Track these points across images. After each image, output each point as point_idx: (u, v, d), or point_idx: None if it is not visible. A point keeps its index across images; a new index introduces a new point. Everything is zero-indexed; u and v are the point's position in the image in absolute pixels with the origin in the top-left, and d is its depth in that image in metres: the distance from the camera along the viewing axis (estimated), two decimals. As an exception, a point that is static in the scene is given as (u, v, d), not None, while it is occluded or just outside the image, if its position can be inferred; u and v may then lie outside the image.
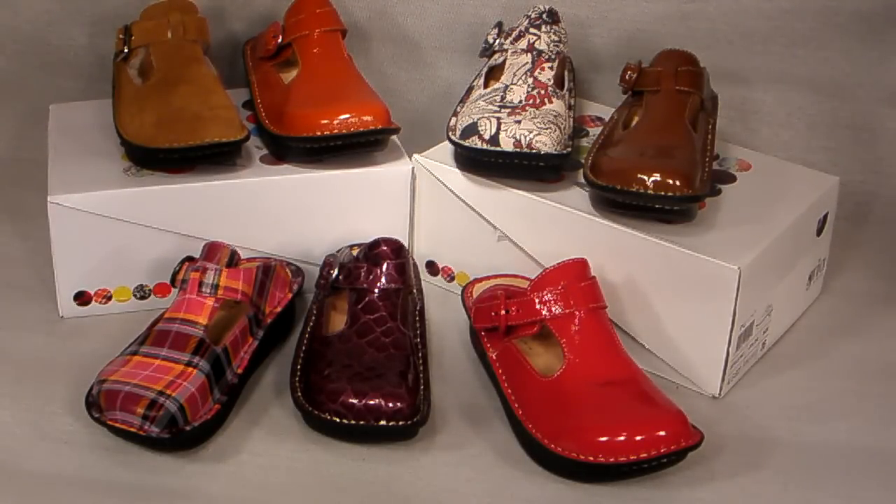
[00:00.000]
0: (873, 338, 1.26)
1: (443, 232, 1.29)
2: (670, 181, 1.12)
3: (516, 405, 1.10)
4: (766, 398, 1.17)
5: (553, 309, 1.10)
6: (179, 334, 1.09)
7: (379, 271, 1.15)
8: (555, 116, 1.21)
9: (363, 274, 1.15)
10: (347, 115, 1.21)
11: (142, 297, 1.25)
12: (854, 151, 1.48)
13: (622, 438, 1.01)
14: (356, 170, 1.25)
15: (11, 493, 1.02)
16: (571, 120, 1.27)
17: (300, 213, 1.25)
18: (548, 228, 1.21)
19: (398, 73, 1.53)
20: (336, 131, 1.21)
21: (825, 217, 1.28)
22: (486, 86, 1.28)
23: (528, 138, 1.18)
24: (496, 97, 1.24)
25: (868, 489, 1.06)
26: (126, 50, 1.33)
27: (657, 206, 1.14)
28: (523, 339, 1.15)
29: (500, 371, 1.13)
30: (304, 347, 1.15)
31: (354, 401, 1.05)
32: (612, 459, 1.02)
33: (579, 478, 1.05)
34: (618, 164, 1.16)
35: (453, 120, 1.25)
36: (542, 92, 1.24)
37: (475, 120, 1.21)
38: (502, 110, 1.22)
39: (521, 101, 1.23)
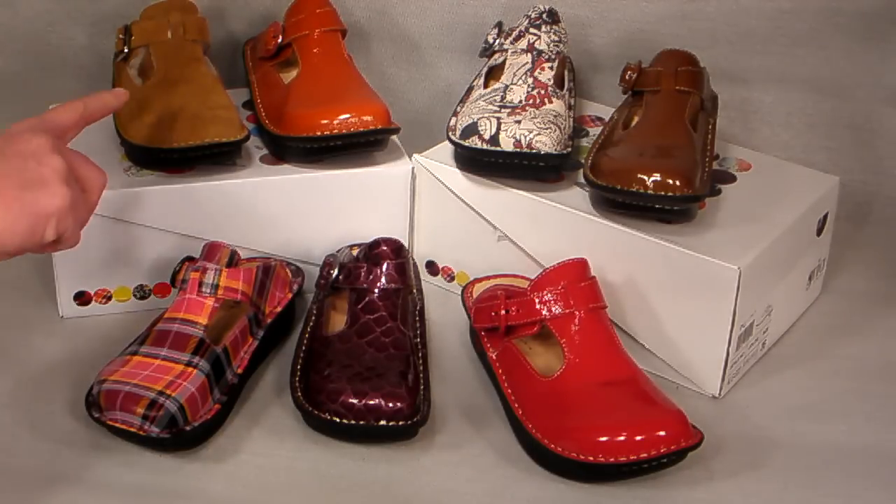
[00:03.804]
0: (873, 338, 1.26)
1: (443, 232, 1.29)
2: (670, 181, 1.12)
3: (516, 405, 1.10)
4: (766, 398, 1.17)
5: (553, 309, 1.10)
6: (179, 334, 1.09)
7: (379, 271, 1.15)
8: (555, 116, 1.21)
9: (363, 274, 1.15)
10: (347, 115, 1.21)
11: (142, 297, 1.25)
12: (854, 151, 1.48)
13: (622, 438, 1.01)
14: (356, 170, 1.25)
15: (11, 494, 1.02)
16: (571, 120, 1.27)
17: (300, 213, 1.25)
18: (548, 228, 1.21)
19: (398, 73, 1.53)
20: (336, 131, 1.21)
21: (825, 217, 1.28)
22: (486, 86, 1.28)
23: (528, 138, 1.18)
24: (496, 97, 1.24)
25: (868, 489, 1.06)
26: (126, 50, 1.33)
27: (657, 206, 1.14)
28: (523, 339, 1.15)
29: (500, 371, 1.13)
30: (304, 347, 1.15)
31: (354, 401, 1.05)
32: (612, 459, 1.02)
33: (579, 478, 1.04)
34: (618, 164, 1.16)
35: (453, 120, 1.25)
36: (542, 92, 1.24)
37: (475, 120, 1.21)
38: (502, 110, 1.22)
39: (521, 101, 1.23)
